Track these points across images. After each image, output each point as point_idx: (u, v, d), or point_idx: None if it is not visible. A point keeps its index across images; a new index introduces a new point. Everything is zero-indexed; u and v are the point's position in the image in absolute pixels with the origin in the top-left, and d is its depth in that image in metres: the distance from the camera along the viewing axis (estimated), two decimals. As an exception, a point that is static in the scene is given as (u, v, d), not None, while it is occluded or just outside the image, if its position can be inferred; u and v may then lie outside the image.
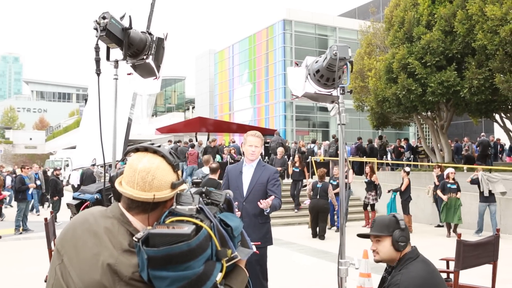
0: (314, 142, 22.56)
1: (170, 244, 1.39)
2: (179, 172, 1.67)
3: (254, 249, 1.82)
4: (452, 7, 13.67)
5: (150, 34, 3.12)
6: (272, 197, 4.23)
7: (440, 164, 13.88)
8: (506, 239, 11.00)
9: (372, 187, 13.11)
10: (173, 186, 1.60)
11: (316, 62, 2.59)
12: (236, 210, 4.29)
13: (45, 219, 5.28)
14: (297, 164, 14.49)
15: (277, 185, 4.44)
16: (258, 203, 4.14)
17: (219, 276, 1.51)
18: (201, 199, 1.61)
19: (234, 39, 40.37)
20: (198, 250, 1.42)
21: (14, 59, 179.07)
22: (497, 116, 16.43)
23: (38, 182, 16.37)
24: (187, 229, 1.43)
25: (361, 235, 2.82)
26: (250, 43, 37.99)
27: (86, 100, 5.30)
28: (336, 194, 11.79)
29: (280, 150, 14.65)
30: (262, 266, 4.39)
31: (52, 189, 15.36)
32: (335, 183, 12.20)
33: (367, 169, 13.51)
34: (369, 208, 13.22)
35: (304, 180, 14.88)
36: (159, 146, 1.66)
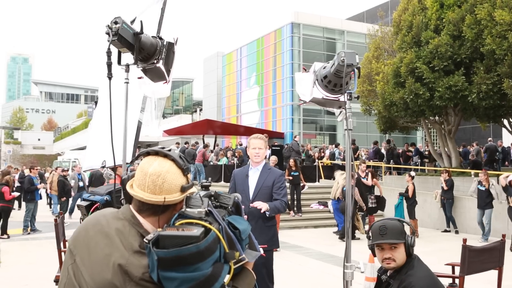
0: (337, 146, 22.40)
1: (179, 246, 1.43)
2: (189, 175, 1.71)
3: (262, 251, 1.85)
4: (460, 11, 13.63)
5: (160, 38, 3.17)
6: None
7: (448, 169, 13.83)
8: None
9: (373, 191, 13.01)
10: (183, 189, 1.63)
11: (324, 68, 2.62)
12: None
13: (55, 219, 5.34)
14: (293, 168, 14.45)
15: (282, 187, 4.47)
16: (255, 203, 4.20)
17: (227, 278, 1.54)
18: (210, 202, 1.65)
19: (242, 41, 40.46)
20: (207, 252, 1.46)
21: (23, 60, 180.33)
22: (505, 121, 16.35)
23: (81, 184, 16.08)
24: (196, 231, 1.46)
25: (377, 244, 2.75)
26: (258, 46, 38.05)
27: (96, 102, 5.36)
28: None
29: (272, 158, 14.35)
30: (268, 269, 4.41)
31: (60, 189, 15.46)
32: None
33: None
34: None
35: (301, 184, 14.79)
36: (170, 150, 1.70)
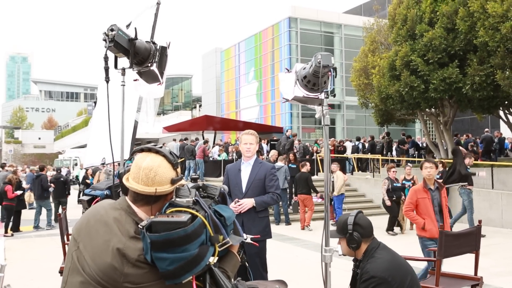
0: (358, 139, 22.43)
1: (169, 230, 1.65)
2: (178, 169, 1.94)
3: (244, 236, 2.08)
4: (454, 4, 13.78)
5: (154, 43, 3.38)
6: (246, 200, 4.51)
7: (443, 161, 14.02)
8: (507, 233, 11.17)
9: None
10: (173, 181, 1.86)
11: (304, 68, 2.85)
12: (232, 203, 4.57)
13: (59, 214, 5.58)
14: (292, 162, 14.65)
15: (274, 180, 4.68)
16: (240, 205, 4.44)
17: (212, 258, 1.76)
18: (197, 192, 1.87)
19: (240, 37, 40.56)
20: (193, 236, 1.68)
21: (22, 59, 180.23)
22: (501, 112, 16.52)
23: None
24: (184, 217, 1.68)
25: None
26: (256, 41, 38.16)
27: (95, 102, 5.59)
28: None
29: (273, 153, 14.39)
30: (261, 258, 4.62)
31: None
32: (409, 183, 12.10)
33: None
34: None
35: None
36: (161, 147, 1.93)
